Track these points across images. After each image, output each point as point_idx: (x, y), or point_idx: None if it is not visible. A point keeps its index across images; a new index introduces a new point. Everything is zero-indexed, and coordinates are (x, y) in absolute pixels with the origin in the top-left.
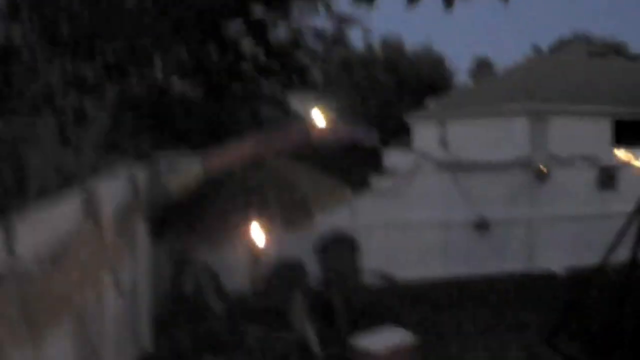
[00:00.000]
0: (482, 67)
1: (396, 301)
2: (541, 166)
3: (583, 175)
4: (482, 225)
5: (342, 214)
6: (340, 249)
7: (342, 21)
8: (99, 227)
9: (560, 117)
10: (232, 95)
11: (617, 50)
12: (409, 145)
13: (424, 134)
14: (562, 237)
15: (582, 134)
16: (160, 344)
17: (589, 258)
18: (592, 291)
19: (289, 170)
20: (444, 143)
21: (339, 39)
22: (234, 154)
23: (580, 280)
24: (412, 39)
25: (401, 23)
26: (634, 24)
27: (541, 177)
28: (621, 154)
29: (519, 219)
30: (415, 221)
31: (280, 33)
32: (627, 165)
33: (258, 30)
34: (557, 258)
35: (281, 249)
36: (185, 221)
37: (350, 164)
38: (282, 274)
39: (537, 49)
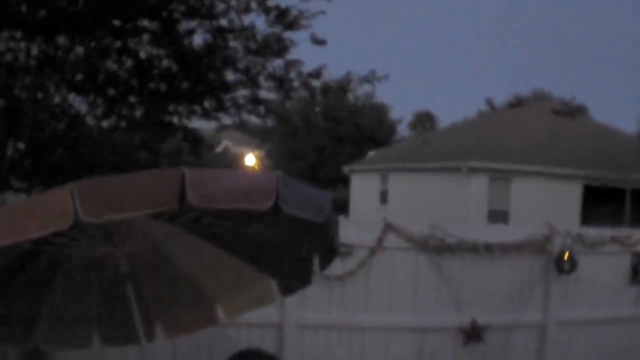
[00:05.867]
0: (424, 120)
1: None
2: (567, 251)
3: (611, 263)
4: (473, 333)
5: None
6: None
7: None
8: None
9: (525, 177)
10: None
11: (583, 111)
12: (346, 198)
13: (363, 187)
14: (583, 349)
15: (548, 197)
16: None
17: None
18: None
19: (174, 248)
20: (384, 197)
21: (279, 50)
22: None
23: None
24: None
25: (343, 67)
26: (594, 88)
27: (565, 266)
28: None
29: (527, 325)
30: (373, 324)
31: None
32: None
33: (167, 30)
34: None
35: None
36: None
37: (284, 244)
38: None
39: (490, 104)
